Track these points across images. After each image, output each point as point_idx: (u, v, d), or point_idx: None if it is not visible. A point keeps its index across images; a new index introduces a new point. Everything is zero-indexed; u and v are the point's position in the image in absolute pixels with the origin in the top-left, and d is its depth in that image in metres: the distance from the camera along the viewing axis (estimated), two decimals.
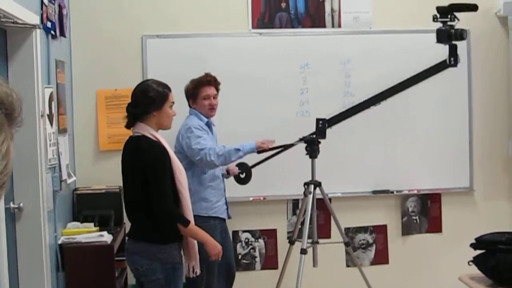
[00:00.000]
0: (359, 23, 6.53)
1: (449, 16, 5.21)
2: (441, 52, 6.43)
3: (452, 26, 5.23)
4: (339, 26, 6.53)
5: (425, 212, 6.77)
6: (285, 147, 5.67)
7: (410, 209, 6.74)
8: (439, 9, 5.23)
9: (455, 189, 6.74)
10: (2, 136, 1.17)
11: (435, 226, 6.79)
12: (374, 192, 6.59)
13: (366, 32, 6.52)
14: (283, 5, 6.45)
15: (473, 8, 5.18)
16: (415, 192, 6.69)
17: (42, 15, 4.84)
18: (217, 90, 5.68)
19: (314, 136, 5.69)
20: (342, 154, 6.45)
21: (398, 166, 6.59)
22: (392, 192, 6.63)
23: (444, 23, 5.23)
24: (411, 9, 6.34)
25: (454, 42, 5.32)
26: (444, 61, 5.38)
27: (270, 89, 6.38)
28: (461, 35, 5.21)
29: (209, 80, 5.63)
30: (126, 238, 4.78)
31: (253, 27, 6.43)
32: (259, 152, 5.62)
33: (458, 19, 5.21)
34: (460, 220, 6.76)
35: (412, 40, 6.03)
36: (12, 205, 4.44)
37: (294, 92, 6.44)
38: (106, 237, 5.22)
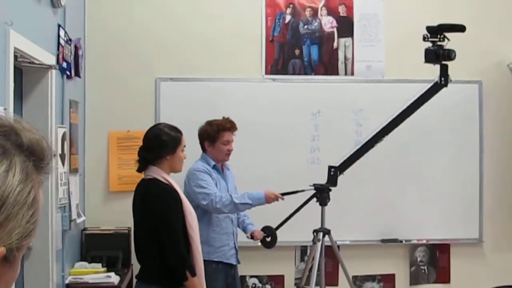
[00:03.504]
0: (372, 72, 6.57)
1: (438, 36, 5.23)
2: (455, 102, 6.47)
3: (441, 46, 5.24)
4: (352, 74, 6.57)
5: (433, 262, 6.73)
6: (296, 193, 5.65)
7: (419, 259, 6.70)
8: (429, 29, 5.26)
9: (464, 240, 6.71)
10: (29, 186, 1.13)
11: (443, 276, 6.74)
12: (383, 240, 6.56)
13: (378, 81, 6.55)
14: (297, 52, 6.50)
15: (461, 28, 5.19)
16: (424, 242, 6.66)
17: (58, 55, 4.89)
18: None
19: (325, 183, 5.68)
20: (351, 202, 6.44)
21: (408, 215, 6.57)
22: (401, 241, 6.60)
23: (433, 43, 5.26)
24: (424, 59, 6.39)
25: (443, 62, 5.33)
26: (436, 82, 5.38)
27: (281, 135, 6.40)
28: (448, 55, 5.20)
29: (231, 127, 5.64)
30: (135, 280, 4.77)
31: (267, 73, 6.47)
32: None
33: (448, 39, 5.22)
34: (469, 271, 6.71)
35: None
36: None
37: (305, 139, 6.46)
38: (114, 278, 5.21)
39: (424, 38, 5.25)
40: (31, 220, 1.14)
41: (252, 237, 5.74)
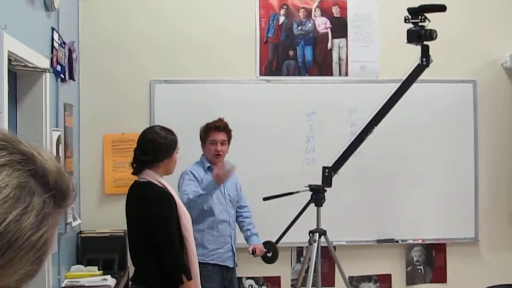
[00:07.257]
0: (366, 72, 6.57)
1: (419, 17, 5.27)
2: (449, 101, 6.48)
3: (422, 27, 5.29)
4: (346, 74, 6.57)
5: (429, 262, 6.73)
6: (291, 194, 5.64)
7: (415, 259, 6.70)
8: (410, 10, 5.29)
9: (460, 239, 6.71)
10: (42, 230, 1.07)
11: (439, 276, 6.74)
12: (379, 241, 6.56)
13: (373, 81, 6.55)
14: (291, 53, 6.49)
15: (442, 8, 5.22)
16: (420, 241, 6.66)
17: (52, 58, 4.88)
18: (228, 136, 5.65)
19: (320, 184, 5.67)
20: (347, 202, 6.44)
21: (403, 215, 6.57)
22: (397, 241, 6.60)
23: (415, 24, 5.29)
24: (418, 59, 6.39)
25: (425, 43, 5.37)
26: (418, 64, 5.42)
27: (276, 136, 6.40)
28: (430, 35, 5.26)
29: (218, 126, 5.59)
30: (130, 282, 4.77)
31: (261, 74, 6.46)
32: (264, 199, 5.63)
33: (429, 20, 5.26)
34: (465, 271, 6.72)
35: (418, 90, 6.01)
36: None
37: (300, 140, 6.45)
38: (110, 281, 5.20)
39: (406, 20, 5.29)
40: (36, 262, 1.09)
41: (253, 252, 5.71)
